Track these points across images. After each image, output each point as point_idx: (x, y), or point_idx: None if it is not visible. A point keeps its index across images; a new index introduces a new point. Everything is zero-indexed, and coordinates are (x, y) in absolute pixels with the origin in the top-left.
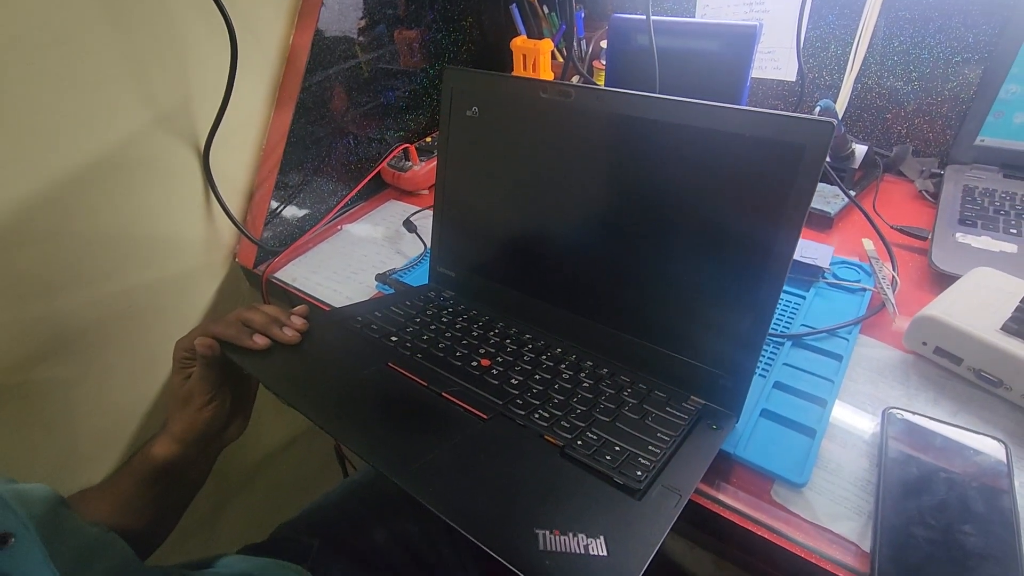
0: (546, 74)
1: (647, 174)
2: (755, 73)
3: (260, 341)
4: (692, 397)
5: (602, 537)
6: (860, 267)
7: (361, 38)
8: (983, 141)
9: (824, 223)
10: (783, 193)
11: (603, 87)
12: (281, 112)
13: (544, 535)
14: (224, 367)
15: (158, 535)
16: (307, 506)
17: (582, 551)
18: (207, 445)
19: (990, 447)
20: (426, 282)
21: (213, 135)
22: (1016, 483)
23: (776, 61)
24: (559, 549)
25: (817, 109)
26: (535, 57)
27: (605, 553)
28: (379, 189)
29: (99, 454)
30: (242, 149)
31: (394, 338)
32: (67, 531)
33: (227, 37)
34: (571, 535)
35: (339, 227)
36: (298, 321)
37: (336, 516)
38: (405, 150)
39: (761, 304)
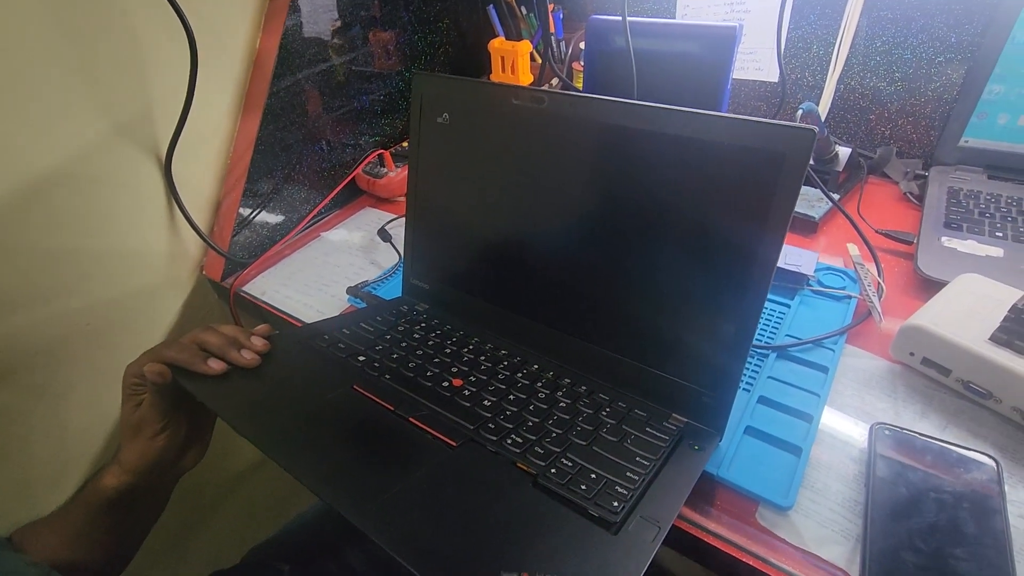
0: (524, 76)
1: (625, 183)
2: (737, 74)
3: (215, 366)
4: (673, 415)
5: None
6: (845, 273)
7: (334, 40)
8: (967, 142)
9: (808, 227)
10: (765, 201)
11: (577, 93)
12: (248, 119)
13: None
14: (177, 393)
15: (114, 566)
16: (279, 529)
17: None
18: (161, 474)
19: (981, 464)
20: (399, 295)
21: (175, 144)
22: (1008, 502)
23: (758, 62)
24: None
25: (799, 112)
26: (513, 59)
27: None
28: (354, 196)
29: (57, 480)
30: (207, 158)
31: (362, 358)
32: (8, 570)
33: (187, 42)
34: None
35: (312, 237)
36: (259, 342)
37: (308, 539)
38: (380, 156)
39: (744, 316)
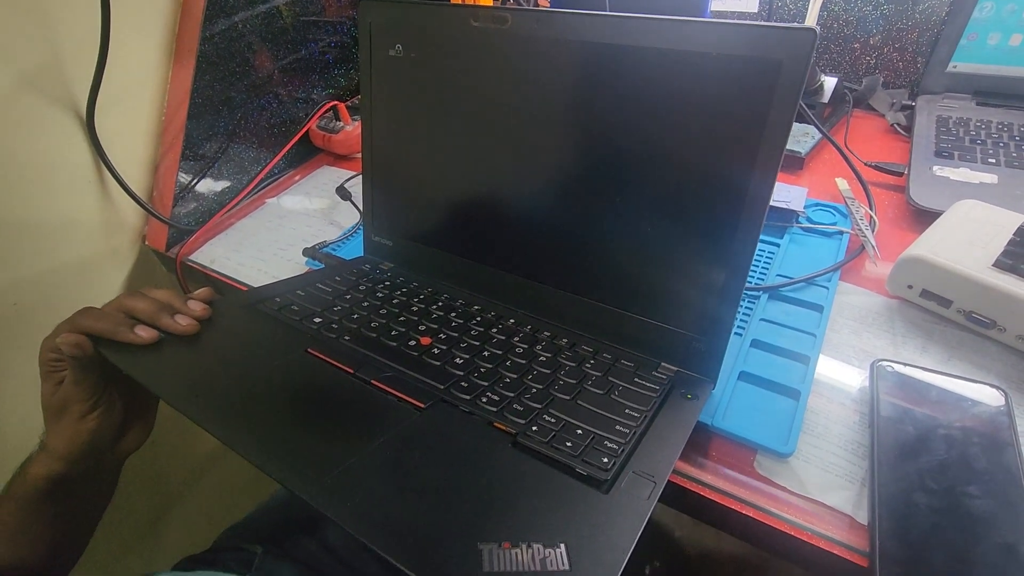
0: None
1: (601, 109)
2: (715, 6)
3: (144, 334)
4: (663, 364)
5: (563, 546)
6: (836, 209)
7: None
8: (955, 67)
9: (795, 164)
10: (759, 119)
11: (544, 9)
12: (180, 68)
13: (490, 551)
14: (106, 368)
15: (63, 562)
16: (252, 509)
17: (538, 567)
18: (99, 459)
19: (989, 396)
20: (361, 254)
21: (95, 97)
22: (1019, 434)
23: None
24: (509, 568)
25: None
26: None
27: (567, 567)
28: (310, 155)
29: None
30: (136, 113)
31: (317, 319)
32: None
33: None
34: (524, 547)
35: (265, 199)
36: (196, 307)
37: (282, 519)
38: (334, 108)
39: (737, 252)
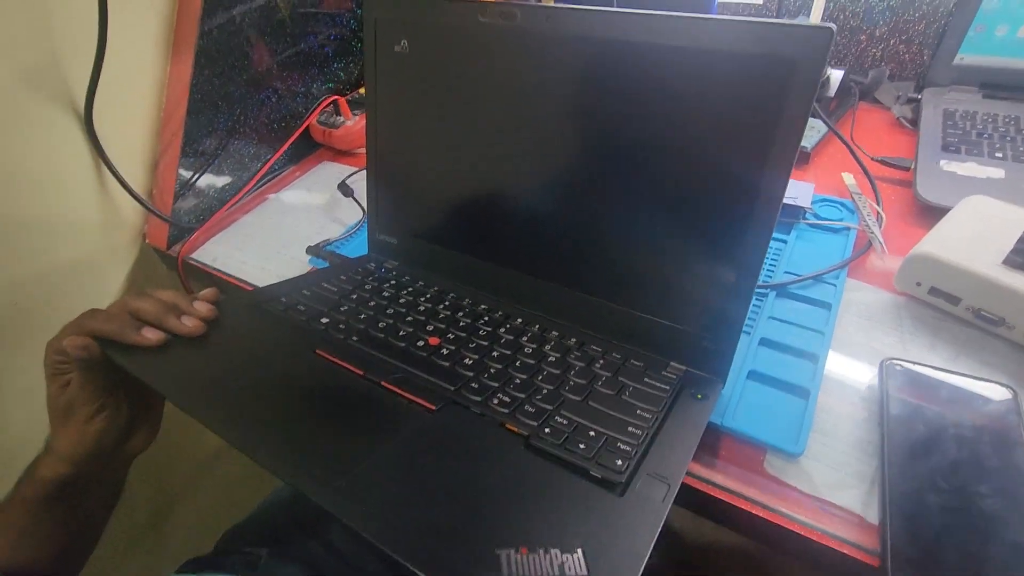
0: None
1: (611, 106)
2: None
3: (151, 336)
4: (672, 364)
5: (580, 550)
6: (842, 204)
7: None
8: (962, 60)
9: (801, 159)
10: (772, 118)
11: (552, 5)
12: (178, 63)
13: (508, 556)
14: (111, 369)
15: (70, 564)
16: (255, 507)
17: (556, 572)
18: (106, 461)
19: (998, 394)
20: (366, 252)
21: (93, 92)
22: None
23: None
24: (527, 573)
25: None
26: None
27: (585, 572)
28: (311, 150)
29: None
30: (135, 109)
31: (325, 320)
32: None
33: None
34: (542, 552)
35: (266, 196)
36: (203, 308)
37: (286, 518)
38: (335, 103)
39: (749, 251)
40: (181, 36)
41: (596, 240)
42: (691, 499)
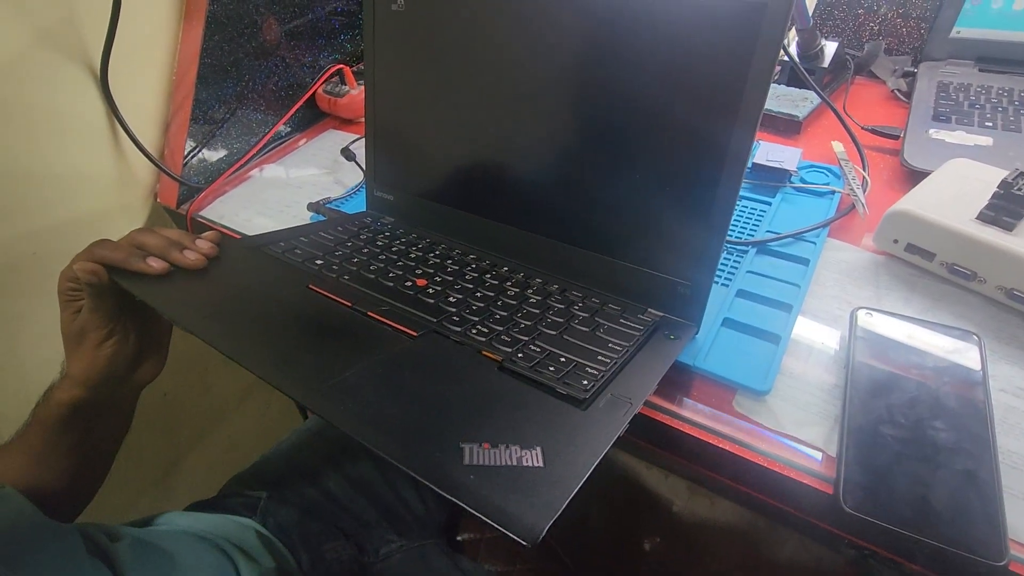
0: None
1: (594, 62)
2: None
3: (155, 264)
4: (649, 310)
5: (539, 448)
6: (829, 170)
7: None
8: (959, 33)
9: (792, 128)
10: (743, 64)
11: None
12: (190, 27)
13: (471, 449)
14: (120, 297)
15: (83, 489)
16: (258, 457)
17: (514, 463)
18: (117, 386)
19: (963, 340)
20: (364, 209)
21: (108, 54)
22: (990, 377)
23: None
24: (487, 462)
25: None
26: None
27: (541, 464)
28: (317, 119)
29: (12, 414)
30: (148, 72)
31: (319, 262)
32: None
33: None
34: (503, 447)
35: (272, 160)
36: (204, 245)
37: (284, 467)
38: (340, 73)
39: (719, 201)
40: (193, 1)
41: (579, 193)
42: (665, 435)
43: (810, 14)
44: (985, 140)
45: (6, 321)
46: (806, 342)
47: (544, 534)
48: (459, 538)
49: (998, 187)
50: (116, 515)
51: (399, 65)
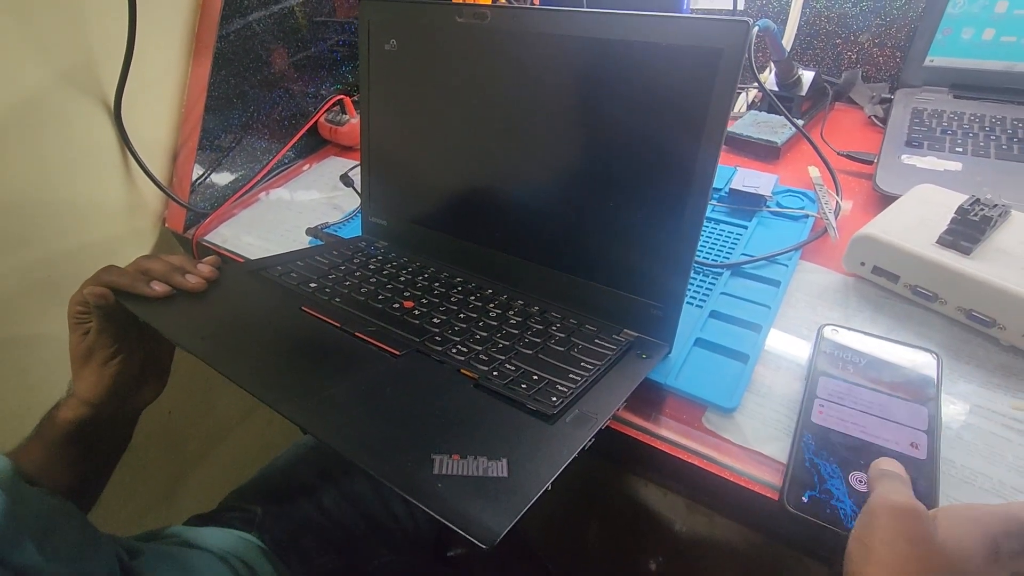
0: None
1: (568, 98)
2: (700, 3)
3: (158, 288)
4: (625, 330)
5: (505, 460)
6: (804, 195)
7: None
8: (932, 61)
9: (771, 154)
10: (704, 101)
11: (519, 6)
12: (199, 64)
13: (441, 459)
14: (126, 320)
15: (79, 504)
16: (256, 473)
17: (480, 473)
18: (120, 405)
19: (922, 359)
20: (359, 234)
21: (122, 90)
22: (944, 393)
23: None
24: (455, 472)
25: (755, 29)
26: None
27: (505, 474)
28: (319, 146)
29: (24, 430)
30: (159, 106)
31: (313, 284)
32: (28, 499)
33: None
34: (471, 458)
35: (275, 186)
36: (205, 269)
37: (282, 481)
38: (340, 102)
39: (687, 224)
40: (202, 39)
41: (559, 220)
42: (636, 451)
43: (786, 46)
44: (955, 165)
45: (18, 343)
46: (775, 360)
47: (501, 538)
48: (449, 554)
49: (955, 213)
50: (123, 528)
51: (391, 100)
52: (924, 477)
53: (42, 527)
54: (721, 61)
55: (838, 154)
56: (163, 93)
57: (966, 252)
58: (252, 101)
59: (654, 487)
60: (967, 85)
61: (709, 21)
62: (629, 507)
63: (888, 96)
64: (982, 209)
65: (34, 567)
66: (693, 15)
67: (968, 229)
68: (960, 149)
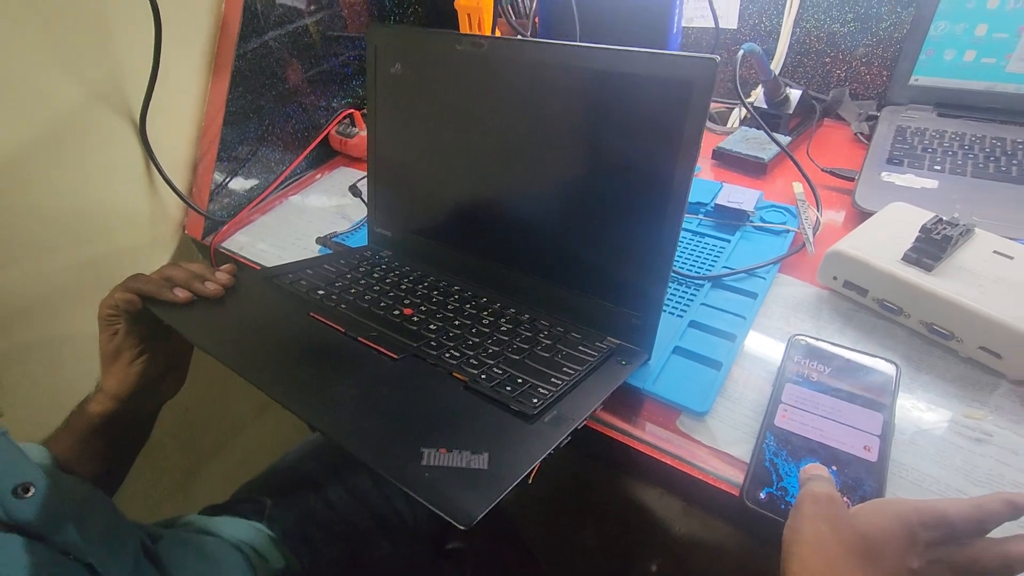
0: (487, 32)
1: (558, 120)
2: (694, 23)
3: (181, 294)
4: (608, 338)
5: (486, 454)
6: (787, 210)
7: (299, 4)
8: (917, 80)
9: (758, 169)
10: (677, 127)
11: (513, 38)
12: (218, 81)
13: (429, 452)
14: (151, 323)
15: (104, 492)
16: (267, 466)
17: (464, 465)
18: (143, 400)
19: (882, 368)
20: (366, 243)
21: (147, 106)
22: (900, 399)
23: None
24: (441, 464)
25: (740, 52)
26: (479, 16)
27: (485, 467)
28: (329, 157)
29: (53, 423)
30: (181, 120)
31: (320, 292)
32: (66, 486)
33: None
34: (456, 452)
35: (287, 195)
36: (223, 277)
37: (291, 475)
38: (350, 116)
39: (663, 239)
40: (221, 57)
41: (549, 233)
42: (613, 451)
43: (777, 63)
44: (931, 183)
45: (49, 342)
46: (747, 369)
47: (478, 520)
48: (448, 547)
49: (919, 231)
50: (142, 516)
51: (396, 119)
52: (873, 478)
53: (78, 511)
54: (693, 92)
55: (822, 170)
56: (185, 108)
57: (928, 269)
58: (267, 115)
59: (651, 489)
60: (950, 104)
61: (683, 57)
62: (625, 509)
63: (875, 113)
64: (944, 228)
65: (76, 546)
66: (670, 52)
67: (930, 247)
68: (939, 167)
